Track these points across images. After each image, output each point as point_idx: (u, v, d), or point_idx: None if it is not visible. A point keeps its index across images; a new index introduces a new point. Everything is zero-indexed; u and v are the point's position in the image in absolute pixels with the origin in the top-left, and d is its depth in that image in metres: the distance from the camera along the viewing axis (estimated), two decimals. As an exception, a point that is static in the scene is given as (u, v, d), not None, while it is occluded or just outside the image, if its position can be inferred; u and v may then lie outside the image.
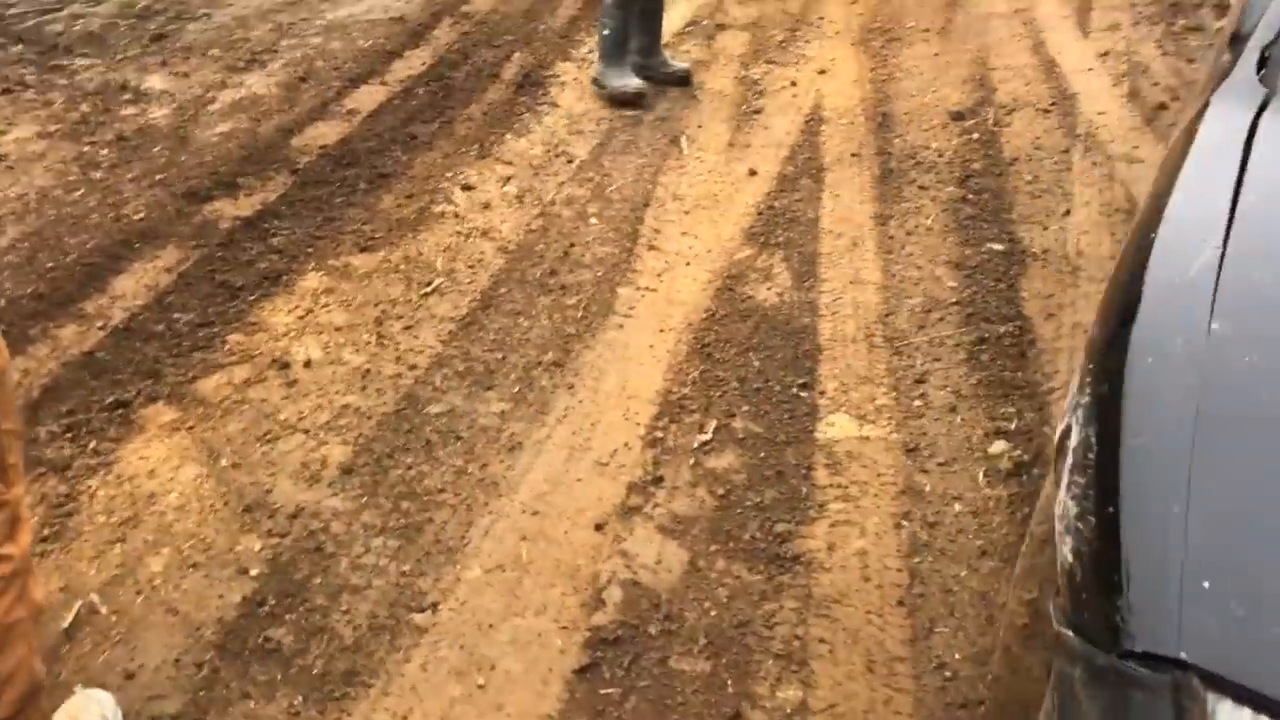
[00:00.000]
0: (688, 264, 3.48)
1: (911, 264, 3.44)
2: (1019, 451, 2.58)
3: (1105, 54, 5.17)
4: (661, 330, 3.13)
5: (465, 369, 2.97)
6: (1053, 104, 4.61)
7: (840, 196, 3.89)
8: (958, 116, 4.52)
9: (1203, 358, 1.25)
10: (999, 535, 2.34)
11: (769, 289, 3.32)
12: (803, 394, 2.84)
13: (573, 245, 3.59)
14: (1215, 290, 1.32)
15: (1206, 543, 1.11)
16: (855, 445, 2.64)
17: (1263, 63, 1.93)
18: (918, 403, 2.79)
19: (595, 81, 4.75)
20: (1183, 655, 1.05)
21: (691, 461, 2.60)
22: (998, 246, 3.52)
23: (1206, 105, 1.88)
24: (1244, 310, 1.29)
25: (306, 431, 2.71)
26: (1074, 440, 1.32)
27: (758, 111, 4.66)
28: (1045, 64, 5.06)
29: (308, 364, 2.96)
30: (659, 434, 2.70)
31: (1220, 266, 1.35)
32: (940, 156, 4.18)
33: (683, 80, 4.89)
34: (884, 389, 2.85)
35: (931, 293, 3.28)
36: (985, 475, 2.52)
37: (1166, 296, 1.37)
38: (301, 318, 3.17)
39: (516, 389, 2.88)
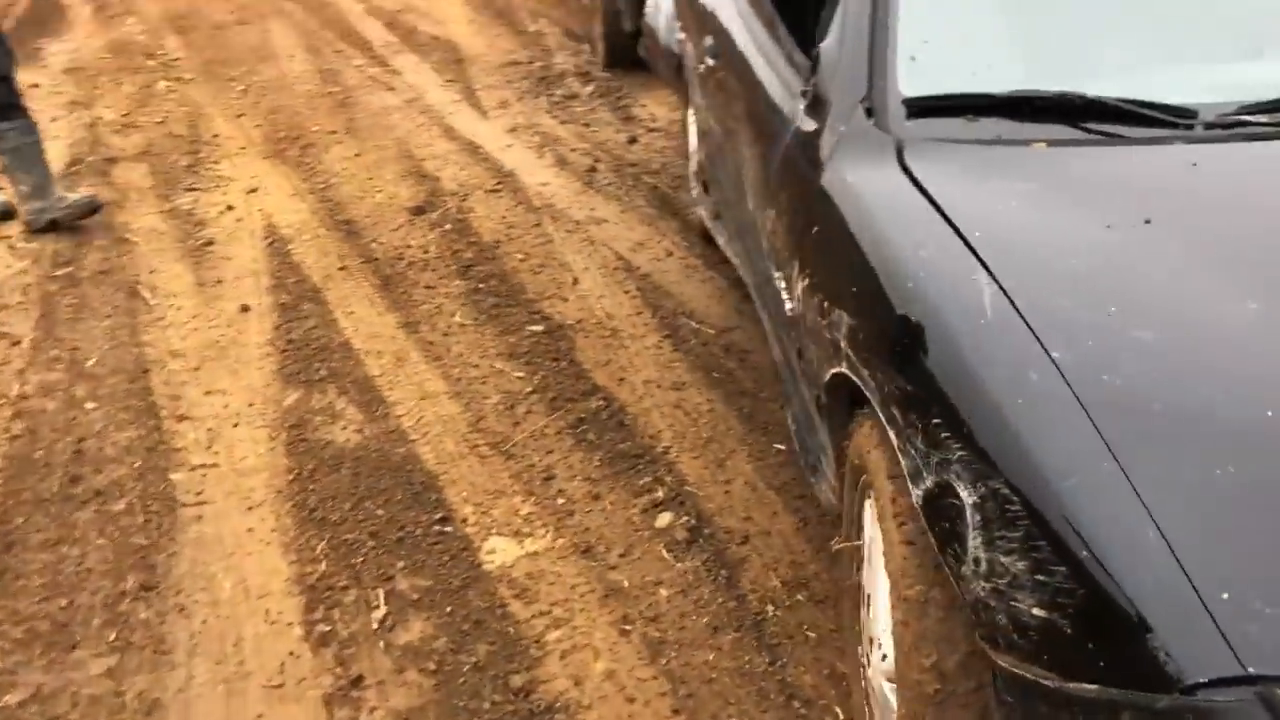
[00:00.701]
0: (235, 425, 3.04)
1: (468, 364, 3.32)
2: (685, 518, 2.59)
3: (513, 129, 5.44)
4: (250, 508, 2.69)
5: (26, 634, 2.32)
6: (498, 184, 4.73)
7: (355, 313, 3.65)
8: (419, 211, 4.47)
9: (1067, 387, 1.32)
10: (718, 606, 2.32)
11: (344, 428, 3.01)
12: (446, 529, 2.60)
13: (82, 440, 2.97)
14: (1026, 324, 1.40)
15: (1197, 557, 1.16)
16: (529, 565, 2.48)
17: (816, 102, 2.09)
18: (560, 501, 2.69)
19: (33, 222, 4.10)
20: (1250, 670, 1.08)
21: (381, 645, 2.26)
22: (536, 327, 3.52)
23: (817, 165, 1.97)
24: (1066, 336, 1.37)
25: None
26: (969, 498, 1.32)
27: (209, 243, 4.23)
28: (467, 147, 5.19)
29: None
30: (324, 627, 2.31)
31: (1011, 302, 1.43)
32: (427, 253, 4.09)
33: (92, 209, 4.35)
34: (520, 497, 2.71)
35: (505, 387, 3.19)
36: (669, 551, 2.49)
37: (987, 337, 1.42)
38: None
39: (112, 636, 2.31)
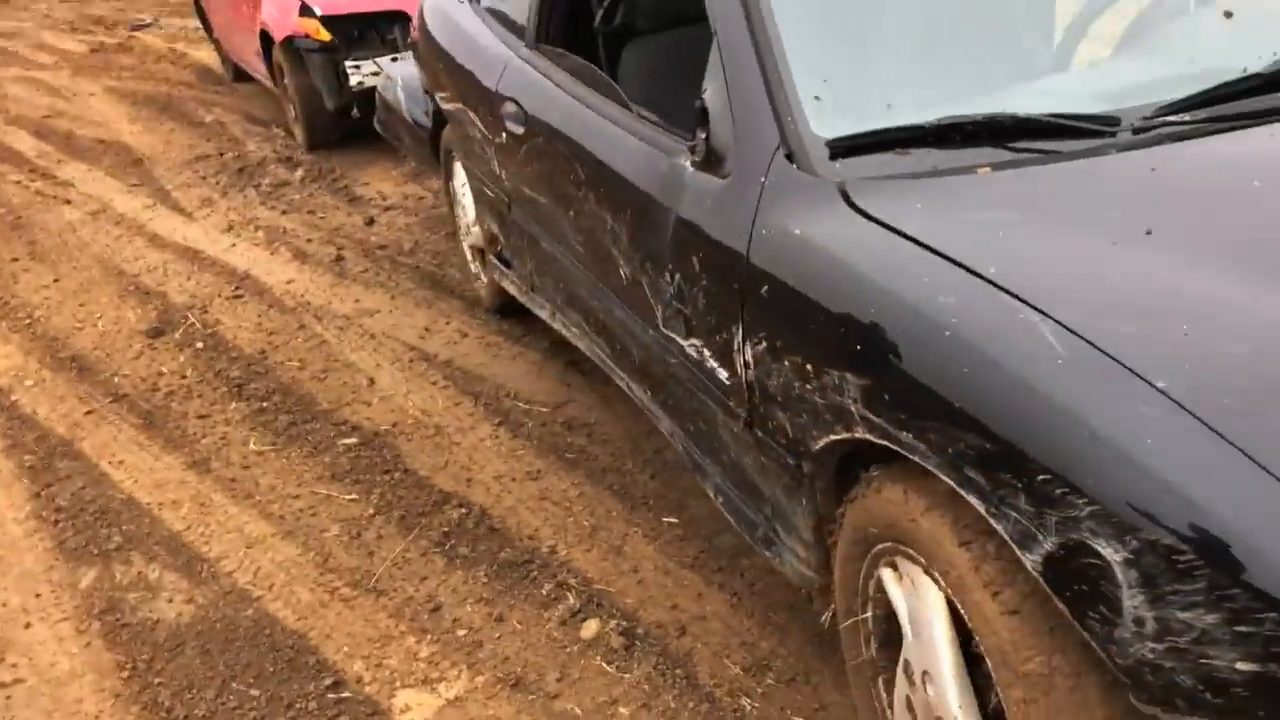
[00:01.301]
0: (27, 626, 2.50)
1: (286, 497, 2.92)
2: (612, 621, 2.36)
3: (230, 227, 4.98)
4: (98, 690, 2.20)
5: None
6: (237, 288, 4.30)
7: (125, 462, 3.14)
8: (156, 333, 3.96)
9: (1195, 419, 1.22)
10: (690, 712, 2.11)
11: (170, 601, 2.55)
12: (342, 694, 2.24)
13: None
14: (1110, 357, 1.30)
15: None
16: (458, 715, 2.17)
17: (711, 158, 1.97)
18: (461, 632, 2.38)
19: None
20: None
21: None
22: (349, 440, 3.17)
23: (738, 222, 1.84)
24: (1158, 363, 1.28)
25: None
26: (1115, 555, 1.19)
27: (-94, 412, 3.54)
28: (184, 254, 4.69)
29: None
30: None
31: (1079, 336, 1.33)
32: (185, 379, 3.62)
33: None
34: (413, 638, 2.38)
35: (341, 514, 2.82)
36: (609, 662, 2.26)
37: (1072, 379, 1.31)
38: None
39: None
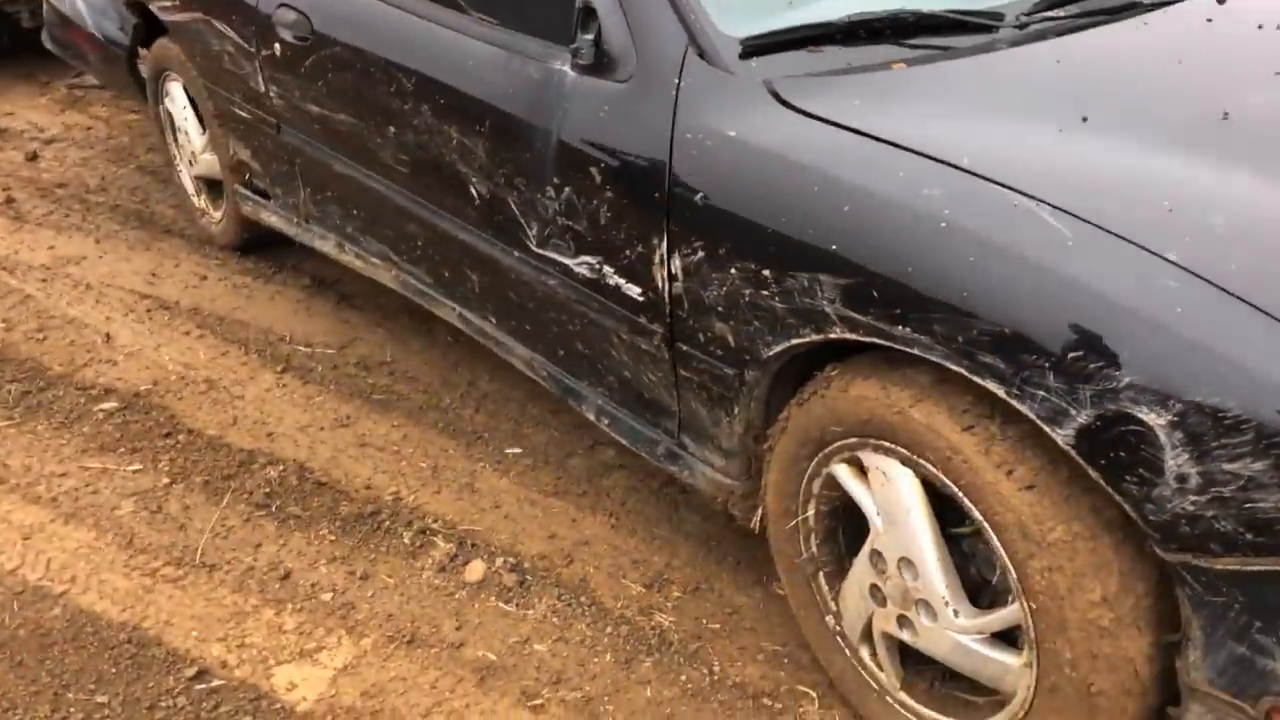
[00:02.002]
0: None
1: (52, 477, 2.52)
2: (498, 559, 2.24)
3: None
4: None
5: None
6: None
7: None
8: None
9: (1213, 287, 1.31)
10: (609, 638, 2.06)
11: (-47, 614, 2.13)
12: (212, 683, 1.98)
13: None
14: (1118, 236, 1.37)
15: None
16: (354, 683, 1.98)
17: (603, 61, 1.88)
18: (327, 596, 2.17)
19: None
20: None
21: None
22: (107, 405, 2.78)
23: (653, 126, 1.77)
24: (1160, 238, 1.36)
25: None
26: (1159, 419, 1.25)
27: None
28: None
29: None
30: None
31: (1079, 218, 1.40)
32: None
33: None
34: (271, 610, 2.14)
35: (129, 488, 2.47)
36: (506, 602, 2.15)
37: (1084, 259, 1.36)
38: None
39: None
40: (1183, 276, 1.33)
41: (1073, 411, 1.35)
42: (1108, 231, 1.39)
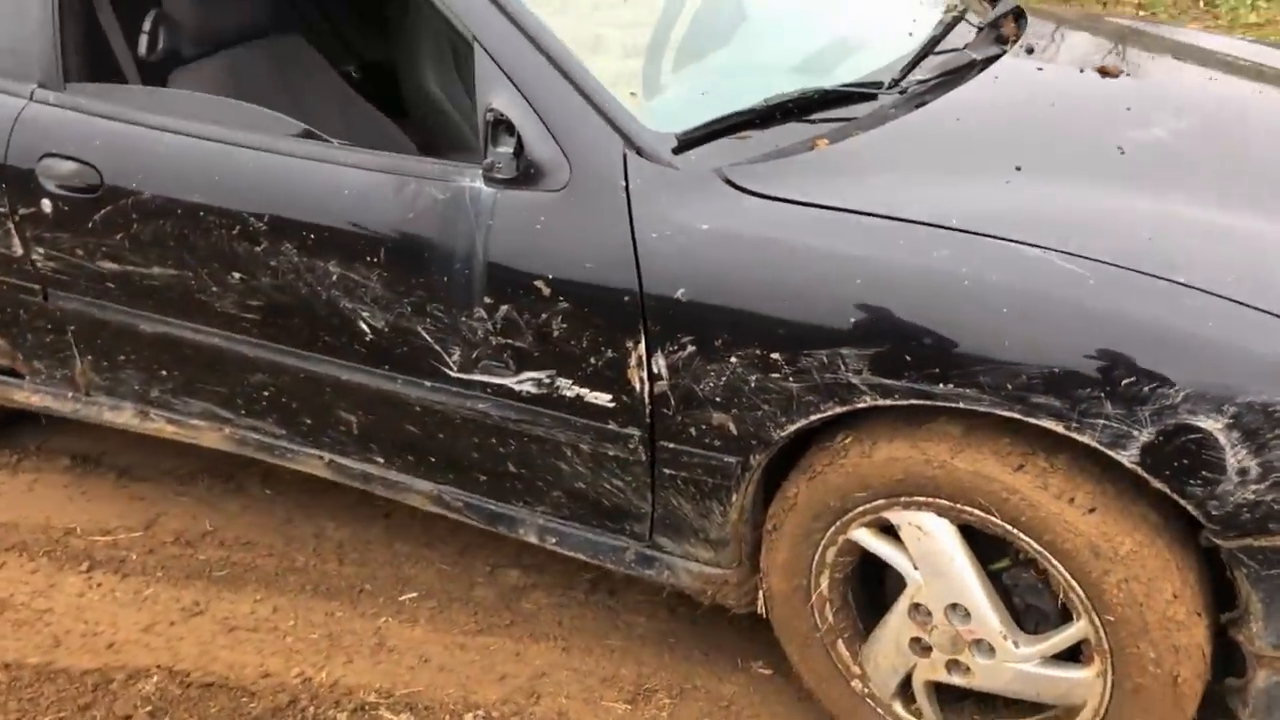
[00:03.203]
0: None
1: None
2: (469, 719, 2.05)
3: None
4: None
5: None
6: None
7: None
8: None
9: (1226, 300, 1.50)
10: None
11: None
12: None
13: None
14: (1125, 269, 1.53)
15: None
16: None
17: (530, 173, 1.83)
18: None
19: None
20: None
21: None
22: None
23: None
24: (1167, 262, 1.54)
25: None
26: (1216, 423, 1.41)
27: None
28: None
29: None
30: None
31: (1084, 258, 1.55)
32: None
33: None
34: None
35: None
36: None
37: (1104, 296, 1.50)
38: None
39: None
40: (1198, 295, 1.50)
41: (1135, 433, 1.47)
42: (1116, 266, 1.53)
